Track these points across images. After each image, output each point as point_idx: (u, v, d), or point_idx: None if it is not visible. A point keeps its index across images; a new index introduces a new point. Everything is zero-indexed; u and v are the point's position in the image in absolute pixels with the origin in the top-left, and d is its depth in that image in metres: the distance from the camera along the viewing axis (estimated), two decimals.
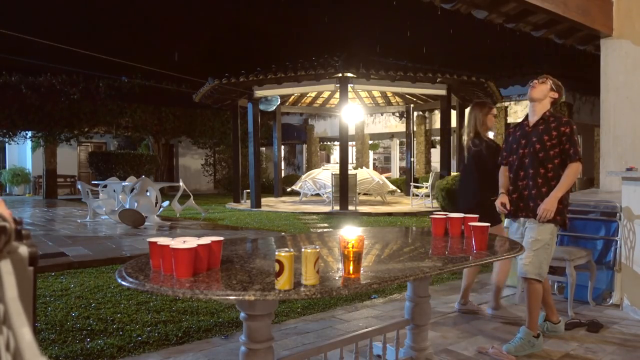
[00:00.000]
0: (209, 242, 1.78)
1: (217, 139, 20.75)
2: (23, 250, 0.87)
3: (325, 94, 16.89)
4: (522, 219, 3.23)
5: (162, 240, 1.77)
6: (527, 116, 3.30)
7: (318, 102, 17.71)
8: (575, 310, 3.89)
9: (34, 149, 19.78)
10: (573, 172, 3.06)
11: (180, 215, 10.44)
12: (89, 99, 17.34)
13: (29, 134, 17.99)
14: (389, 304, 4.17)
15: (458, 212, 2.91)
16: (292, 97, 16.42)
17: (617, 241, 4.13)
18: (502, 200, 3.28)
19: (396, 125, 20.04)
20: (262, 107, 13.76)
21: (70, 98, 16.93)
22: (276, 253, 1.58)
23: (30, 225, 9.46)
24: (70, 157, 20.98)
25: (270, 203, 14.42)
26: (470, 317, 3.83)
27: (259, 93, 13.34)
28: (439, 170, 14.55)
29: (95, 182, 11.24)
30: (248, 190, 14.09)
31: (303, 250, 1.62)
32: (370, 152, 23.02)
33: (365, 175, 14.21)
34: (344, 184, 11.80)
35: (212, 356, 3.01)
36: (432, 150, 20.07)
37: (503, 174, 3.39)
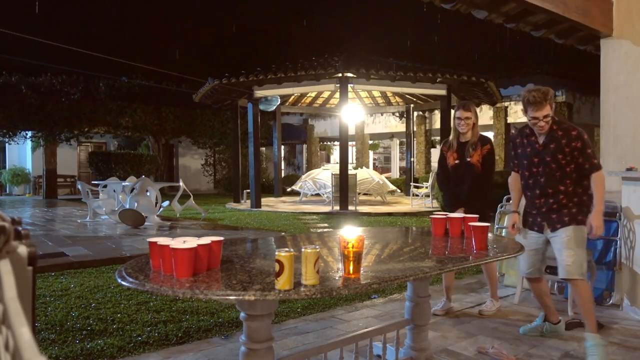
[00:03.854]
0: (209, 242, 1.78)
1: (217, 139, 20.76)
2: (22, 250, 0.87)
3: (325, 94, 16.89)
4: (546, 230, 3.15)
5: (162, 240, 1.77)
6: (531, 129, 3.12)
7: (318, 102, 17.71)
8: (575, 310, 3.89)
9: (34, 149, 19.79)
10: (601, 181, 2.95)
11: (180, 215, 10.43)
12: (89, 99, 17.35)
13: (29, 134, 17.99)
14: (389, 304, 4.17)
15: None
16: (292, 97, 16.42)
17: (617, 241, 4.13)
18: (513, 220, 3.19)
19: (396, 125, 20.04)
20: (262, 107, 13.77)
21: (70, 98, 16.93)
22: (276, 253, 1.58)
23: (30, 225, 9.46)
24: (70, 157, 20.98)
25: (270, 203, 14.42)
26: (471, 317, 3.83)
27: (259, 93, 13.34)
28: None
29: (95, 182, 11.23)
30: (248, 190, 14.09)
31: (303, 250, 1.62)
32: (370, 152, 23.02)
33: (365, 175, 14.21)
34: (344, 184, 11.80)
35: (212, 356, 3.01)
36: (432, 150, 20.07)
37: (515, 185, 3.28)
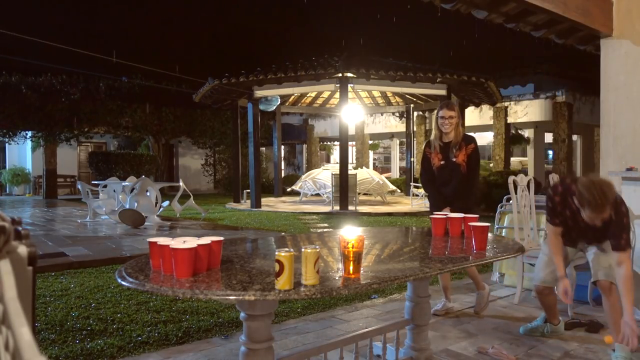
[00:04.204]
0: (209, 242, 1.78)
1: (217, 139, 20.76)
2: (22, 250, 0.87)
3: (325, 94, 16.89)
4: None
5: (162, 240, 1.77)
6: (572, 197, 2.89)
7: (318, 102, 17.72)
8: (575, 310, 3.89)
9: (34, 149, 19.79)
10: (627, 279, 2.76)
11: (180, 215, 10.43)
12: (89, 99, 17.36)
13: (29, 134, 17.99)
14: (389, 304, 4.17)
15: None
16: (292, 97, 16.43)
17: None
18: (565, 286, 2.96)
19: (396, 125, 20.04)
20: (262, 107, 13.77)
21: (70, 98, 16.94)
22: (276, 253, 1.58)
23: (30, 225, 9.46)
24: (70, 157, 20.98)
25: (270, 203, 14.42)
26: (471, 317, 3.83)
27: (259, 93, 13.34)
28: None
29: (95, 182, 11.23)
30: (248, 190, 14.09)
31: (303, 250, 1.62)
32: (370, 152, 23.02)
33: (365, 175, 14.21)
34: (344, 184, 11.80)
35: (212, 356, 3.01)
36: None
37: (557, 243, 3.09)
